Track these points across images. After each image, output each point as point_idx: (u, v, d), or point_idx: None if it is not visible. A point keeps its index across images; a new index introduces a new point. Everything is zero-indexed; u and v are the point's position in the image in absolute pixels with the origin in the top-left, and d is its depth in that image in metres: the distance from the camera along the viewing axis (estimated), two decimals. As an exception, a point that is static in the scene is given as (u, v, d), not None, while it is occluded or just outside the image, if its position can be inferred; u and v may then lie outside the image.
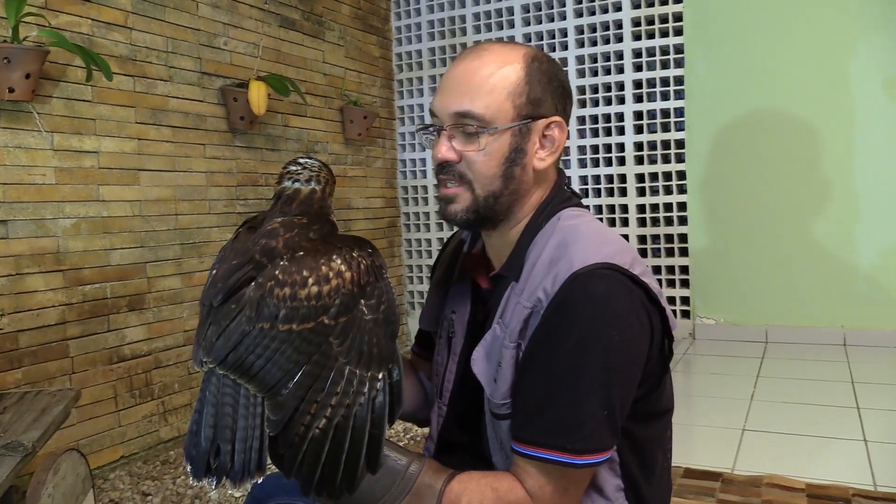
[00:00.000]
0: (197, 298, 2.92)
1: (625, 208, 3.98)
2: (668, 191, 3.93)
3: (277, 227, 0.86)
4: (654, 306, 0.89)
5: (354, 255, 0.83)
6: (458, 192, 0.95)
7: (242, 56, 3.20)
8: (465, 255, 1.09)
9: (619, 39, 3.91)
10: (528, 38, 4.11)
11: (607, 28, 3.96)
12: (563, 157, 1.03)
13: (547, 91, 0.95)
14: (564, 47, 4.02)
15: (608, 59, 3.95)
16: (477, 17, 4.27)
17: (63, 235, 2.44)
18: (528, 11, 4.11)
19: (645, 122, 3.89)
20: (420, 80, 4.37)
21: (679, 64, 3.83)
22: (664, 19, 3.82)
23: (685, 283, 3.93)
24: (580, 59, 4.02)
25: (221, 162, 3.09)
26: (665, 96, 3.85)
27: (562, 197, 0.99)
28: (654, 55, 3.87)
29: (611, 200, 4.00)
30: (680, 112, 3.83)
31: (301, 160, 0.93)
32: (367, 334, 0.81)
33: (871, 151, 3.53)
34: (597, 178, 4.04)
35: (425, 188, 4.41)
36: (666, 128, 3.85)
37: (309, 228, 0.87)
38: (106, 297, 2.59)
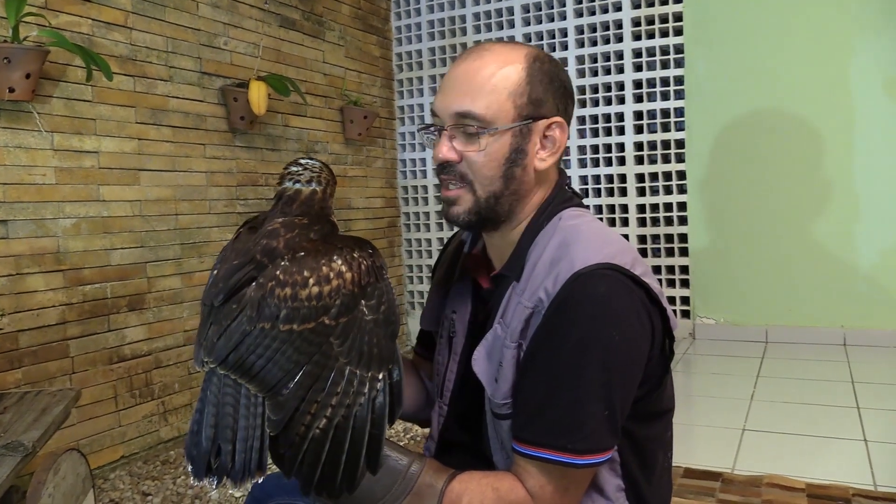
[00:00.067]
0: (197, 298, 2.92)
1: (625, 208, 3.98)
2: (668, 191, 3.93)
3: (278, 227, 0.86)
4: (654, 306, 0.89)
5: (355, 255, 0.83)
6: (459, 193, 0.95)
7: (242, 56, 3.20)
8: (465, 255, 1.09)
9: (620, 39, 3.91)
10: (528, 37, 4.11)
11: (607, 28, 3.96)
12: (563, 157, 1.02)
13: (548, 91, 0.95)
14: (564, 47, 4.02)
15: (608, 59, 3.95)
16: (477, 17, 4.27)
17: (63, 235, 2.44)
18: (529, 11, 4.12)
19: (645, 121, 3.89)
20: (420, 79, 4.37)
21: (679, 64, 3.83)
22: (664, 19, 3.82)
23: (685, 283, 3.93)
24: (580, 59, 4.02)
25: (221, 162, 3.09)
26: (665, 96, 3.85)
27: (563, 197, 0.99)
28: (654, 55, 3.87)
29: (611, 200, 4.00)
30: (680, 112, 3.83)
31: (302, 161, 0.93)
32: (367, 335, 0.81)
33: (871, 151, 3.53)
34: (597, 178, 4.04)
35: (425, 188, 4.41)
36: (666, 128, 3.85)
37: (310, 229, 0.87)
38: (106, 297, 2.59)
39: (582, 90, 3.99)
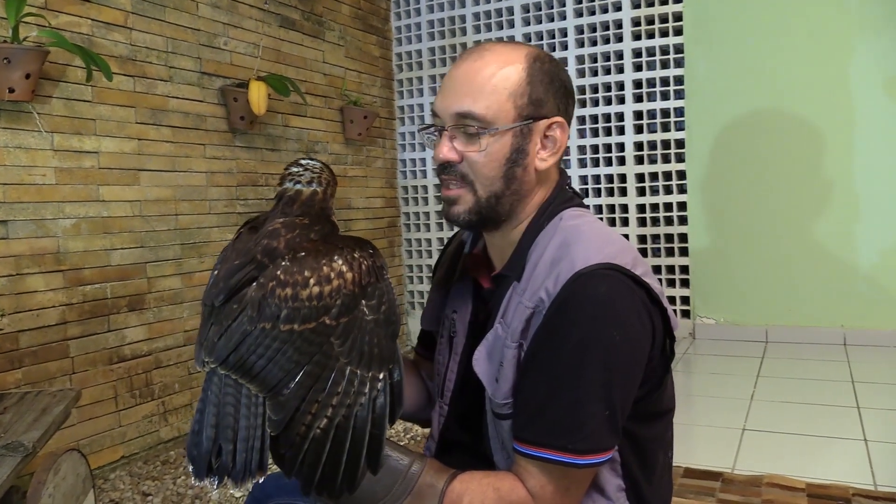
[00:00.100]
0: (197, 299, 2.92)
1: (625, 208, 3.98)
2: (668, 190, 3.94)
3: (279, 227, 0.86)
4: (655, 306, 0.89)
5: (356, 255, 0.83)
6: (460, 193, 0.95)
7: (242, 56, 3.20)
8: (466, 255, 1.09)
9: (619, 39, 3.91)
10: (528, 37, 4.11)
11: (607, 28, 3.96)
12: (563, 157, 1.02)
13: (549, 91, 0.95)
14: (564, 47, 4.02)
15: (608, 59, 3.95)
16: (477, 16, 4.27)
17: (63, 235, 2.44)
18: (528, 11, 4.12)
19: (645, 121, 3.89)
20: (420, 79, 4.37)
21: (679, 64, 3.83)
22: (664, 19, 3.82)
23: (685, 283, 3.93)
24: (580, 59, 4.02)
25: (221, 162, 3.09)
26: (665, 96, 3.85)
27: (564, 197, 0.99)
28: (654, 55, 3.87)
29: (611, 200, 4.00)
30: (680, 112, 3.83)
31: (303, 161, 0.93)
32: (367, 335, 0.81)
33: (871, 151, 3.53)
34: (597, 178, 4.04)
35: (425, 188, 4.41)
36: (666, 127, 3.85)
37: (310, 229, 0.87)
38: (106, 298, 2.59)
39: (582, 90, 3.99)
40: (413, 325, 4.48)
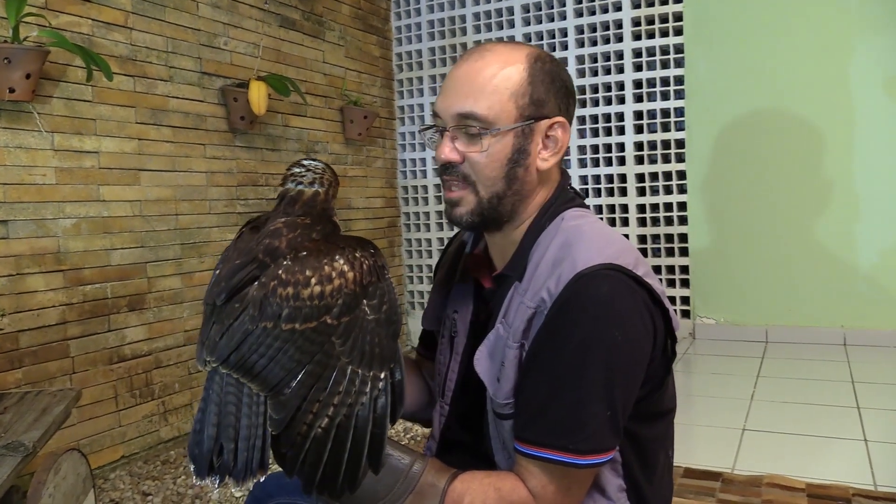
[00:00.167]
0: (197, 298, 2.93)
1: (625, 208, 3.98)
2: (668, 190, 3.94)
3: (281, 227, 0.86)
4: (657, 307, 0.89)
5: (357, 255, 0.83)
6: (462, 195, 0.95)
7: (243, 56, 3.20)
8: (467, 255, 1.09)
9: (620, 39, 3.91)
10: (528, 37, 4.11)
11: (607, 28, 3.96)
12: (563, 157, 1.03)
13: (550, 91, 0.95)
14: (564, 47, 4.03)
15: (608, 59, 3.95)
16: (477, 16, 4.27)
17: (63, 235, 2.44)
18: (529, 11, 4.12)
19: (645, 121, 3.89)
20: (420, 79, 4.37)
21: (679, 64, 3.83)
22: (664, 19, 3.82)
23: (685, 283, 3.93)
24: (580, 59, 4.02)
25: (222, 162, 3.09)
26: (665, 96, 3.85)
27: (565, 197, 0.99)
28: (654, 55, 3.87)
29: (611, 200, 4.00)
30: (680, 112, 3.83)
31: (305, 162, 0.93)
32: (369, 334, 0.81)
33: (871, 151, 3.53)
34: (597, 178, 4.04)
35: (425, 188, 4.41)
36: (666, 127, 3.86)
37: (312, 229, 0.87)
38: (106, 297, 2.59)
39: (582, 90, 3.99)
40: (413, 325, 4.48)
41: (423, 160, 4.39)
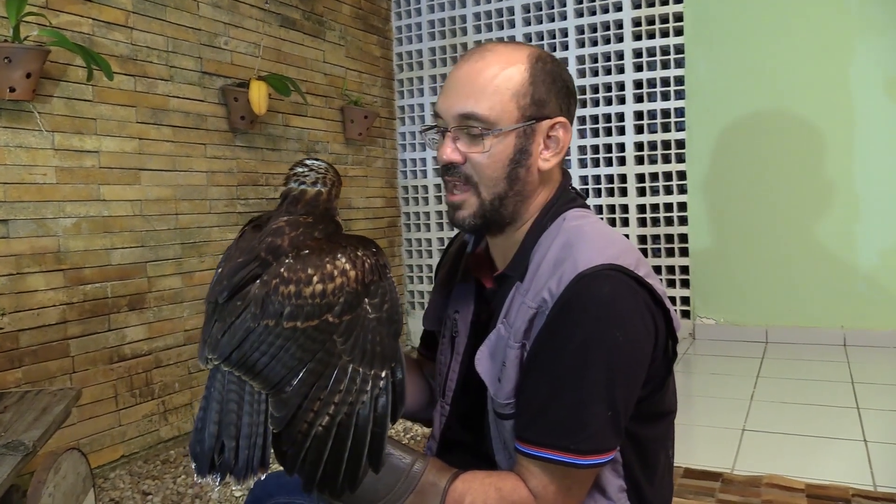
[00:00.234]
0: (197, 298, 2.93)
1: (625, 208, 3.98)
2: (668, 191, 3.94)
3: (283, 225, 0.86)
4: (658, 307, 0.89)
5: (359, 253, 0.83)
6: (464, 198, 0.95)
7: (243, 56, 3.20)
8: (468, 255, 1.09)
9: (620, 39, 3.91)
10: (528, 37, 4.11)
11: (608, 28, 3.96)
12: (564, 158, 1.03)
13: (551, 92, 0.95)
14: (565, 47, 4.03)
15: (609, 59, 3.95)
16: (477, 16, 4.27)
17: (64, 235, 2.44)
18: (529, 11, 4.12)
19: (645, 122, 3.89)
20: (420, 79, 4.37)
21: (679, 64, 3.83)
22: (665, 19, 3.82)
23: (685, 284, 3.93)
24: (581, 59, 4.03)
25: (222, 162, 3.09)
26: (665, 96, 3.85)
27: (567, 198, 0.99)
28: (654, 55, 3.88)
29: (611, 200, 4.00)
30: (680, 112, 3.83)
31: (308, 162, 0.93)
32: (370, 333, 0.81)
33: (871, 152, 3.53)
34: (597, 178, 4.04)
35: (425, 188, 4.41)
36: (666, 128, 3.86)
37: (314, 227, 0.87)
38: (106, 297, 2.59)
39: (582, 90, 3.99)
40: (413, 325, 4.48)
41: (424, 160, 4.39)
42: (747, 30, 3.76)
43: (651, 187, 3.92)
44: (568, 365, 0.84)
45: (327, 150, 3.76)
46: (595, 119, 4.03)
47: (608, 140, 3.97)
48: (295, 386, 0.77)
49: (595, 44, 4.03)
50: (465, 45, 4.26)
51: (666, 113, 3.85)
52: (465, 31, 4.29)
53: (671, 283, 3.95)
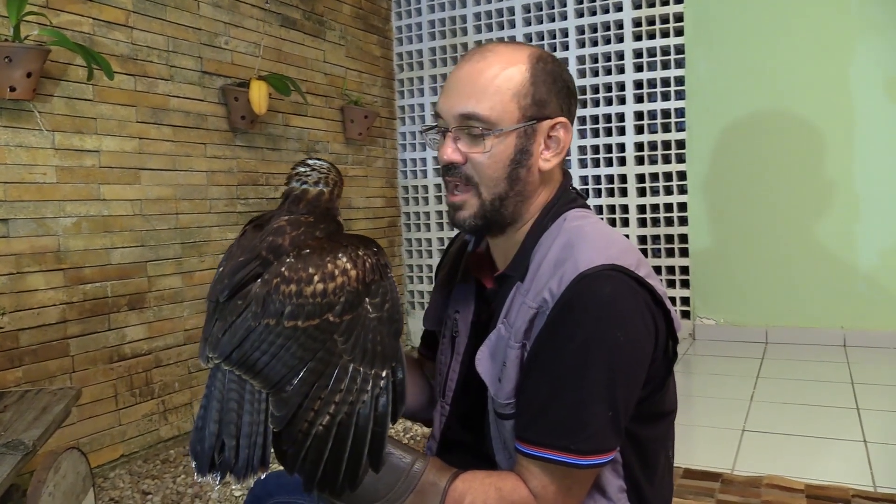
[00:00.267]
0: (197, 298, 2.93)
1: (625, 208, 3.99)
2: (668, 191, 3.94)
3: (284, 224, 0.86)
4: (658, 308, 0.89)
5: (360, 253, 0.83)
6: (465, 198, 0.95)
7: (243, 55, 3.20)
8: (468, 254, 1.09)
9: (620, 40, 3.91)
10: (528, 38, 4.11)
11: (608, 28, 3.96)
12: (565, 158, 1.03)
13: (552, 92, 0.95)
14: (565, 47, 4.03)
15: (609, 60, 3.95)
16: (478, 16, 4.27)
17: (64, 234, 2.44)
18: (529, 11, 4.12)
19: (646, 122, 3.89)
20: (421, 79, 4.37)
21: (680, 64, 3.83)
22: (665, 20, 3.83)
23: (685, 284, 3.93)
24: (581, 60, 4.03)
25: (222, 161, 3.09)
26: (666, 97, 3.85)
27: (567, 198, 0.99)
28: (654, 55, 3.88)
29: (611, 201, 4.00)
30: (681, 112, 3.83)
31: (310, 162, 0.93)
32: (371, 332, 0.81)
33: (871, 152, 3.53)
34: (597, 179, 4.04)
35: (426, 188, 4.41)
36: (667, 128, 3.86)
37: (315, 227, 0.87)
38: (106, 296, 2.59)
39: (583, 90, 3.99)
40: (413, 325, 4.48)
41: (424, 160, 4.39)
42: (747, 30, 3.76)
43: (651, 187, 3.92)
44: (568, 365, 0.84)
45: (327, 150, 3.76)
46: (595, 119, 4.03)
47: (608, 140, 3.97)
48: (295, 385, 0.77)
49: (595, 44, 4.03)
50: (465, 45, 4.26)
51: (666, 113, 3.85)
52: (465, 31, 4.29)
53: (671, 284, 3.95)
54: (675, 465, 1.08)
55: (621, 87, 3.93)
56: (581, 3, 3.99)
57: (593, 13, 3.96)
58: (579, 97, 3.98)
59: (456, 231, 1.15)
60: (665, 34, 3.82)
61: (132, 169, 2.68)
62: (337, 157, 3.83)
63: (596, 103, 4.00)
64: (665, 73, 3.83)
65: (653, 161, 3.90)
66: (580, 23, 3.98)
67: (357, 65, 4.03)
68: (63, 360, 2.44)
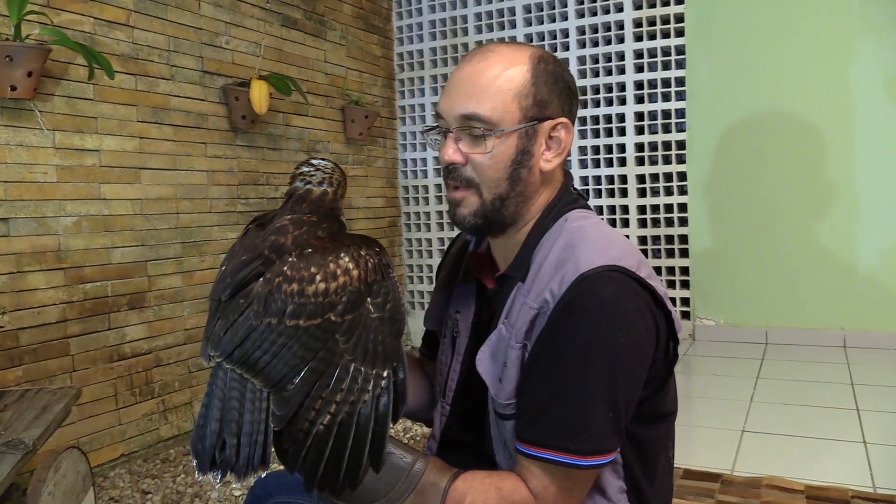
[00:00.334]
0: (197, 297, 2.93)
1: (625, 209, 3.99)
2: (668, 192, 3.94)
3: (287, 224, 0.86)
4: (659, 309, 0.89)
5: (362, 253, 0.83)
6: (465, 195, 0.95)
7: (244, 55, 3.20)
8: (469, 254, 1.09)
9: (621, 40, 3.91)
10: (529, 38, 4.11)
11: (609, 29, 3.97)
12: (566, 158, 1.03)
13: (553, 92, 0.95)
14: (566, 48, 4.03)
15: (610, 60, 3.95)
16: (478, 17, 4.27)
17: (64, 233, 2.44)
18: (530, 12, 4.12)
19: (646, 123, 3.89)
20: (421, 79, 4.38)
21: (680, 65, 3.83)
22: (666, 20, 3.83)
23: (685, 285, 3.93)
24: (582, 60, 4.03)
25: (223, 161, 3.09)
26: (666, 97, 3.85)
27: (568, 199, 0.99)
28: (655, 56, 3.88)
29: (612, 201, 4.00)
30: (681, 113, 3.83)
31: (314, 161, 0.93)
32: (372, 332, 0.81)
33: (871, 153, 3.54)
34: (598, 179, 4.04)
35: (426, 188, 4.41)
36: (667, 129, 3.86)
37: (318, 226, 0.87)
38: (107, 296, 2.59)
39: (583, 91, 3.99)
40: (413, 325, 4.48)
41: (424, 160, 4.39)
42: (748, 31, 3.76)
43: (651, 188, 3.93)
44: (569, 365, 0.84)
45: (328, 150, 3.76)
46: (596, 120, 4.03)
47: (609, 141, 3.97)
48: (297, 384, 0.77)
49: (596, 44, 4.03)
50: (466, 46, 4.26)
51: (667, 114, 3.85)
52: (466, 32, 4.29)
53: (671, 284, 3.95)
54: (674, 465, 1.08)
55: (622, 87, 3.94)
56: (582, 3, 3.99)
57: (594, 14, 3.96)
58: (580, 98, 3.98)
59: (457, 231, 1.15)
60: (666, 35, 3.82)
61: (133, 168, 2.68)
62: (337, 157, 3.83)
63: (596, 104, 4.00)
64: (666, 74, 3.83)
65: (653, 162, 3.90)
66: (581, 23, 3.98)
67: (358, 65, 4.03)
68: (63, 359, 2.44)
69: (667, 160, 3.88)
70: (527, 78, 0.93)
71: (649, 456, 0.95)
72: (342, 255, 0.82)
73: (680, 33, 3.80)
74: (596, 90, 4.00)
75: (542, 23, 4.11)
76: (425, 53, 4.36)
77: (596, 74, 4.00)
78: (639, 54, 3.91)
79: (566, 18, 4.03)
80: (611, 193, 4.01)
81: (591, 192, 4.04)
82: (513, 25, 4.16)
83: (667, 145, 3.87)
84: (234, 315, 0.80)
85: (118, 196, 2.63)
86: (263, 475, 0.78)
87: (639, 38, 3.88)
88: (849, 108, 3.56)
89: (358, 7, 4.05)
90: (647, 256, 3.93)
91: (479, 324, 1.03)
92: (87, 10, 2.52)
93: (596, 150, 4.02)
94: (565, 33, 4.04)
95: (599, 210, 4.01)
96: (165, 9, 2.81)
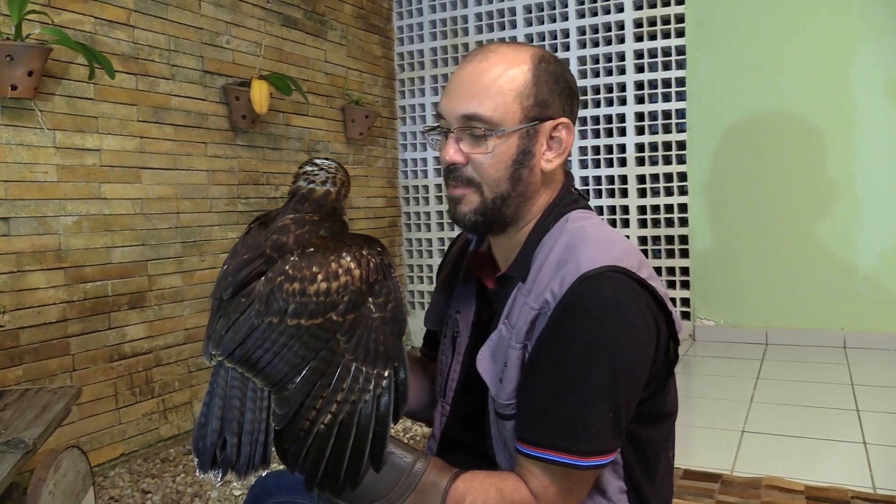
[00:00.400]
0: (198, 297, 2.93)
1: (626, 209, 3.99)
2: (669, 192, 3.94)
3: (289, 223, 0.86)
4: (660, 310, 0.89)
5: (364, 252, 0.83)
6: (465, 192, 0.95)
7: (245, 55, 3.20)
8: (470, 254, 1.09)
9: (622, 41, 3.92)
10: (530, 38, 4.11)
11: (609, 29, 3.97)
12: (567, 159, 1.03)
13: (554, 92, 0.95)
14: (566, 48, 4.03)
15: (610, 61, 3.95)
16: (479, 17, 4.27)
17: (64, 233, 2.44)
18: (531, 12, 4.12)
19: (646, 123, 3.89)
20: (422, 79, 4.38)
21: (681, 65, 3.83)
22: (666, 21, 3.83)
23: (685, 285, 3.93)
24: (582, 60, 4.03)
25: (223, 161, 3.09)
26: (667, 98, 3.85)
27: (569, 199, 0.99)
28: (655, 56, 3.88)
29: (612, 201, 4.00)
30: (681, 113, 3.83)
31: (318, 161, 0.93)
32: (374, 332, 0.81)
33: (872, 153, 3.54)
34: (598, 179, 4.04)
35: (426, 188, 4.41)
36: (667, 129, 3.86)
37: (320, 226, 0.87)
38: (107, 295, 2.59)
39: (584, 91, 3.99)
40: (413, 325, 4.48)
41: (424, 160, 4.39)
42: (748, 31, 3.76)
43: (652, 188, 3.93)
44: (570, 366, 0.84)
45: (328, 150, 3.76)
46: (596, 120, 4.03)
47: (609, 141, 3.97)
48: (298, 383, 0.77)
49: (596, 45, 4.03)
50: (466, 46, 4.27)
51: (667, 114, 3.85)
52: (466, 32, 4.29)
53: (671, 285, 3.95)
54: (675, 465, 1.08)
55: (622, 87, 3.94)
56: (582, 3, 3.99)
57: (594, 14, 3.96)
58: (580, 98, 3.98)
59: (457, 231, 1.15)
60: (666, 35, 3.82)
61: (133, 168, 2.68)
62: (337, 157, 3.83)
63: (597, 104, 4.00)
64: (666, 74, 3.83)
65: (653, 162, 3.90)
66: (581, 23, 3.99)
67: (358, 64, 4.03)
68: (63, 358, 2.44)
69: (667, 160, 3.88)
70: (528, 78, 0.93)
71: (649, 456, 0.95)
72: (344, 254, 0.82)
73: (680, 34, 3.80)
74: (596, 90, 4.00)
75: (542, 23, 4.11)
76: (426, 53, 4.36)
77: (596, 75, 4.00)
78: (639, 55, 3.92)
79: (567, 18, 4.03)
80: (611, 194, 4.01)
81: (591, 193, 4.04)
82: (513, 25, 4.16)
83: (667, 146, 3.87)
84: (235, 314, 0.80)
85: (118, 195, 2.63)
86: (264, 474, 0.78)
87: (639, 39, 3.88)
88: (849, 108, 3.57)
89: (358, 7, 4.05)
90: (647, 257, 3.93)
91: (479, 324, 1.03)
92: (88, 10, 2.52)
93: (596, 150, 4.02)
94: (566, 33, 4.04)
95: (600, 210, 4.01)
96: (166, 8, 2.81)
